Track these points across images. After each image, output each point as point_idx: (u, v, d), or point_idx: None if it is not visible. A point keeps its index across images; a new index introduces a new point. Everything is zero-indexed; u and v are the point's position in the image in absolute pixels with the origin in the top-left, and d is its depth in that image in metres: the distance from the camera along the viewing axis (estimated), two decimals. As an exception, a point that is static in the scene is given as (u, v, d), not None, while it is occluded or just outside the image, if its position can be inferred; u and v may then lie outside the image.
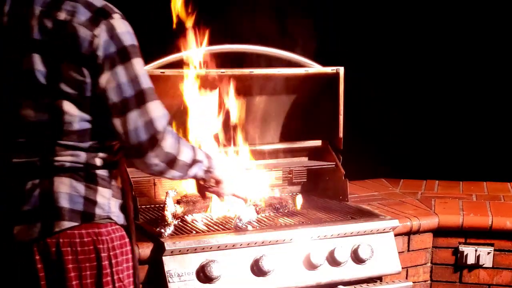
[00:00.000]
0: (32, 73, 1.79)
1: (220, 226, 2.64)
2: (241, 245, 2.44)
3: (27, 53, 1.79)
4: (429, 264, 3.08)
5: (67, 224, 1.81)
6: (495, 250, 3.03)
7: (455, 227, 3.02)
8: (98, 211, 1.87)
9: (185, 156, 1.99)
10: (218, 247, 2.40)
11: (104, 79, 1.80)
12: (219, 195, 2.34)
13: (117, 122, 1.84)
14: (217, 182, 2.26)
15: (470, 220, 3.03)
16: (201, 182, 2.27)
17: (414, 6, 4.53)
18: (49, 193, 1.82)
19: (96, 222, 1.86)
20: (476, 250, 3.02)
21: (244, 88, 3.09)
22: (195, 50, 2.86)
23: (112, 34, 1.80)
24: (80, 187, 1.85)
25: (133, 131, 1.84)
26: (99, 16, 1.80)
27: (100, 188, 1.89)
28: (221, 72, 2.87)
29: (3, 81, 1.82)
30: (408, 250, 2.99)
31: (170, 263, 2.32)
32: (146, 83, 1.86)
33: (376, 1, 4.55)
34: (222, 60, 3.00)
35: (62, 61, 1.78)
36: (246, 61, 3.08)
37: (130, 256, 1.96)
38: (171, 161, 1.95)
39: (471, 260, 3.02)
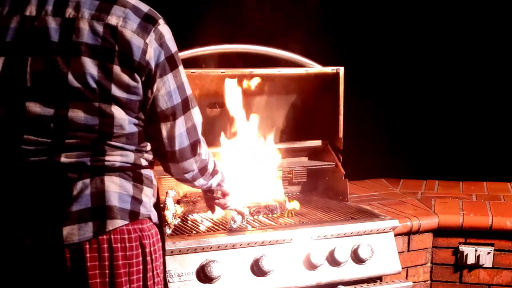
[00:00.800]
0: (84, 77, 1.76)
1: (220, 226, 2.64)
2: (241, 245, 2.44)
3: (76, 56, 1.76)
4: (429, 264, 3.09)
5: (120, 222, 1.81)
6: (495, 250, 3.03)
7: (455, 227, 3.03)
8: (142, 210, 1.88)
9: (210, 165, 2.12)
10: (218, 247, 2.40)
11: (155, 87, 1.84)
12: (223, 207, 2.41)
13: (164, 128, 1.89)
14: (224, 195, 2.36)
15: (470, 220, 3.03)
16: (209, 194, 2.35)
17: (414, 5, 4.53)
18: (101, 193, 1.81)
19: (139, 219, 1.87)
20: (476, 250, 3.02)
21: (244, 88, 3.09)
22: (195, 49, 2.87)
23: (161, 42, 1.83)
24: (129, 186, 1.86)
25: (178, 137, 1.91)
26: (148, 22, 1.82)
27: (145, 188, 1.91)
28: (221, 72, 2.87)
29: (48, 83, 1.78)
30: (408, 250, 3.00)
31: (170, 263, 2.32)
32: (188, 89, 1.94)
33: (376, 0, 4.55)
34: (222, 60, 3.00)
35: (115, 65, 1.77)
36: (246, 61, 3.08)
37: (161, 252, 1.99)
38: (203, 168, 2.06)
39: (471, 260, 3.02)
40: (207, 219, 2.75)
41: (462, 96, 4.64)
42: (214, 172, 2.17)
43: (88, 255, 1.79)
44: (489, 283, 3.06)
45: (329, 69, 3.10)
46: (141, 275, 1.87)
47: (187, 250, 2.35)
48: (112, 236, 1.81)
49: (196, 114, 1.96)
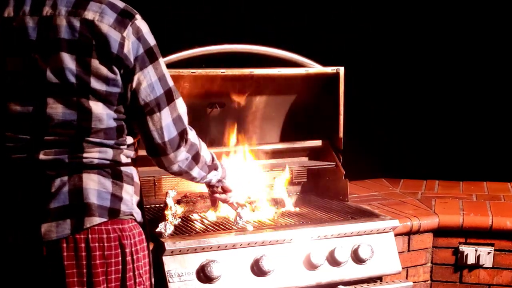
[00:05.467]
0: (62, 72, 1.79)
1: (220, 226, 2.63)
2: (241, 245, 2.44)
3: (55, 53, 1.79)
4: (429, 264, 3.08)
5: (98, 220, 1.83)
6: (495, 250, 3.03)
7: (455, 227, 3.02)
8: (123, 207, 1.89)
9: (204, 152, 2.14)
10: (218, 247, 2.40)
11: (136, 80, 1.86)
12: (224, 201, 2.48)
13: (150, 120, 1.91)
14: (225, 191, 2.41)
15: (470, 220, 3.03)
16: (210, 189, 2.40)
17: (414, 5, 4.53)
18: (79, 190, 1.83)
19: (120, 218, 1.88)
20: (476, 250, 3.02)
21: (244, 88, 3.09)
22: (195, 50, 2.87)
23: (139, 35, 1.86)
24: (108, 184, 1.87)
25: (166, 128, 1.93)
26: (125, 17, 1.85)
27: (125, 185, 1.92)
28: (221, 72, 2.87)
29: (27, 81, 1.81)
30: (408, 250, 2.99)
31: (170, 263, 2.32)
32: (170, 81, 1.97)
33: (376, 1, 4.55)
34: (222, 60, 3.00)
35: (93, 59, 1.80)
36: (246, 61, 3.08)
37: (146, 252, 1.99)
38: (196, 154, 2.07)
39: (471, 260, 3.02)
40: (207, 219, 2.74)
41: (462, 96, 4.64)
42: (213, 166, 2.21)
43: (65, 254, 1.80)
44: (489, 283, 3.06)
45: (329, 69, 3.10)
46: (120, 275, 1.87)
47: (187, 250, 2.34)
48: (89, 236, 1.82)
49: (180, 105, 1.98)
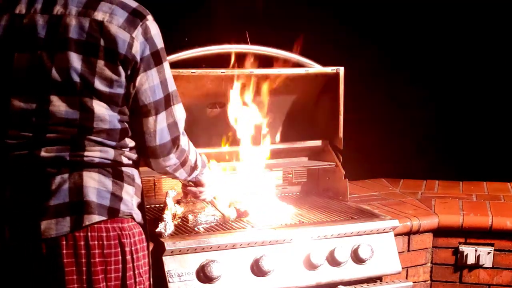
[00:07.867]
0: (67, 71, 1.80)
1: (220, 226, 2.63)
2: (241, 245, 2.44)
3: (62, 51, 1.80)
4: (429, 264, 3.09)
5: (97, 218, 1.83)
6: (495, 250, 3.03)
7: (455, 227, 3.03)
8: (122, 207, 1.89)
9: (192, 156, 2.15)
10: (218, 247, 2.40)
11: (139, 80, 1.87)
12: (195, 196, 2.45)
13: (145, 122, 1.92)
14: (196, 184, 2.39)
15: (470, 220, 3.03)
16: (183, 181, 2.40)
17: (414, 5, 4.54)
18: (79, 188, 1.83)
19: (120, 217, 1.88)
20: (476, 250, 3.02)
21: (244, 88, 3.08)
22: (195, 50, 2.87)
23: (147, 36, 1.86)
24: (108, 183, 1.87)
25: (159, 132, 1.94)
26: (136, 17, 1.85)
27: (125, 185, 1.92)
28: (221, 72, 2.87)
29: (32, 78, 1.82)
30: (408, 250, 3.00)
31: (170, 263, 2.32)
32: (172, 86, 1.96)
33: (375, 0, 4.56)
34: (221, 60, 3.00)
35: (99, 60, 1.80)
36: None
37: (146, 252, 1.99)
38: (184, 159, 2.09)
39: (471, 260, 3.02)
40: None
41: (462, 96, 4.65)
42: (195, 167, 2.20)
43: (64, 251, 1.80)
44: (489, 283, 3.06)
45: (329, 69, 3.10)
46: (119, 273, 1.87)
47: (187, 250, 2.35)
48: (89, 234, 1.82)
49: (178, 111, 1.98)
